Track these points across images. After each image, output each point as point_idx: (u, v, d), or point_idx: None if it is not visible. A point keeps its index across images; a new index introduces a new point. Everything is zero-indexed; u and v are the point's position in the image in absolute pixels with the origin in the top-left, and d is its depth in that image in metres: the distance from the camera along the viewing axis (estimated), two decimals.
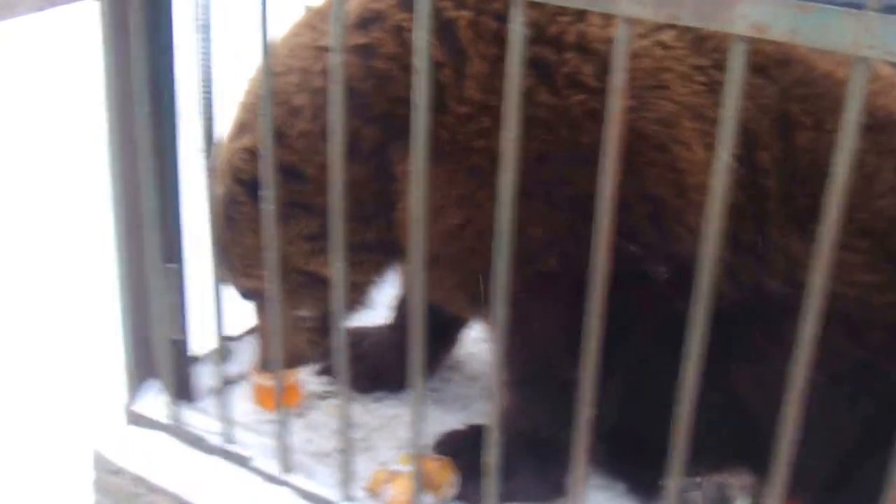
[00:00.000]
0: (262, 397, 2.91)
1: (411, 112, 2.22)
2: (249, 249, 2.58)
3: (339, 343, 2.30)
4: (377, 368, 3.00)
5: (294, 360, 2.81)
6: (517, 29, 1.73)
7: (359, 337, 3.03)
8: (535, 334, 2.36)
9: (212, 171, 2.48)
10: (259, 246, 2.57)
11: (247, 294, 2.73)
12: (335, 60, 2.01)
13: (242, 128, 2.56)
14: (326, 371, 3.07)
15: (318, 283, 2.55)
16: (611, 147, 1.71)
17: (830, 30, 1.43)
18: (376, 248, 2.52)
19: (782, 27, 1.47)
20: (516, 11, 1.73)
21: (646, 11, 1.60)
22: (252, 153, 2.46)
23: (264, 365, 2.85)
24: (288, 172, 2.37)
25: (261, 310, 2.78)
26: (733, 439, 2.43)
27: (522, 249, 1.96)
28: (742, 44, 1.54)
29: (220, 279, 2.56)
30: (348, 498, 2.48)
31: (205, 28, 2.35)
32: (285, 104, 2.39)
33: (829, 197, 1.54)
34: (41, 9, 7.95)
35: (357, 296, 2.60)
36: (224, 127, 2.58)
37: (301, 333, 2.77)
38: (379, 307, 3.19)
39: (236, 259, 2.65)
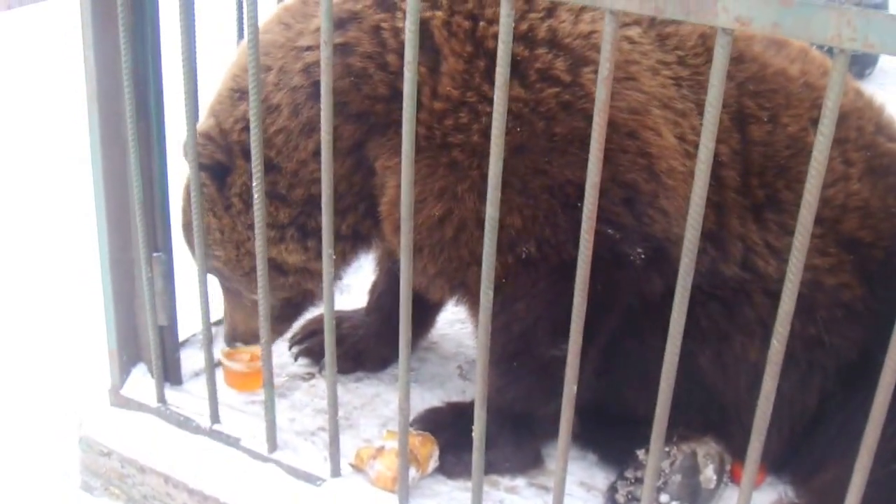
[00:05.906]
0: (231, 379, 2.88)
1: (387, 108, 2.20)
2: (209, 230, 2.54)
3: (327, 326, 2.27)
4: (357, 350, 2.99)
5: (253, 337, 2.77)
6: (506, 21, 1.72)
7: (338, 320, 2.99)
8: (517, 316, 2.35)
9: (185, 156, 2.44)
10: (218, 228, 2.54)
11: (209, 271, 2.68)
12: (324, 58, 1.97)
13: (208, 114, 2.53)
14: (305, 354, 3.04)
15: (273, 270, 2.50)
16: (597, 135, 1.70)
17: (812, 23, 1.44)
18: (347, 239, 2.51)
19: (765, 20, 1.47)
20: (505, 4, 1.71)
21: (631, 4, 1.59)
22: (209, 138, 2.43)
23: (228, 339, 2.85)
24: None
25: (222, 287, 2.77)
26: (699, 412, 2.46)
27: (501, 238, 1.96)
28: (726, 36, 1.54)
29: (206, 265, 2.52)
30: (336, 473, 2.46)
31: (189, 14, 2.29)
32: (262, 102, 2.34)
33: (808, 181, 1.54)
34: (22, 3, 7.76)
35: (318, 284, 2.55)
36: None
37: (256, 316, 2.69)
38: (356, 292, 3.19)
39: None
